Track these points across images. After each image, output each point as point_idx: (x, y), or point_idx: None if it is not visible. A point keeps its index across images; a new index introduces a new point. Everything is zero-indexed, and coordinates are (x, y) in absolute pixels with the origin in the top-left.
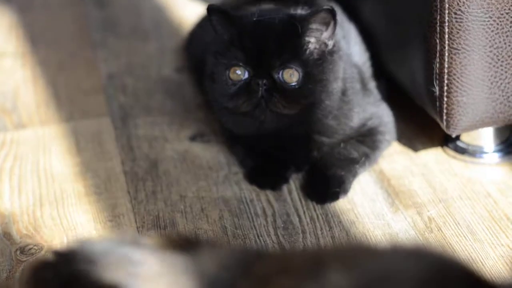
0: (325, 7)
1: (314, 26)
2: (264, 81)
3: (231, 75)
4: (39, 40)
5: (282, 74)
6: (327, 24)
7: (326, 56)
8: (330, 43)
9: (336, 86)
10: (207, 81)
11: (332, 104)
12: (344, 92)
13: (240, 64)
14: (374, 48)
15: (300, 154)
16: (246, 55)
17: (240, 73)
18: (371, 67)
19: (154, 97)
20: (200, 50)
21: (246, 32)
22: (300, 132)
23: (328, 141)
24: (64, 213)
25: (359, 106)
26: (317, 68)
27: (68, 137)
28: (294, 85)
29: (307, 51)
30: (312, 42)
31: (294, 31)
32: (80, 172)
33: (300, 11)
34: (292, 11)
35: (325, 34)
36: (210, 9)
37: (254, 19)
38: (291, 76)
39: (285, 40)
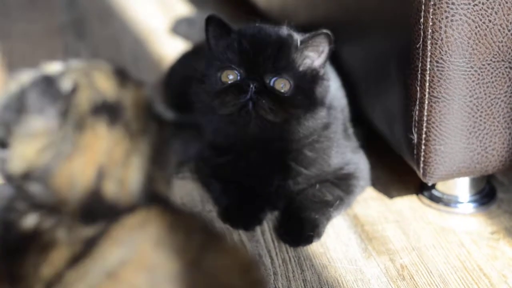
0: (324, 30)
1: (311, 47)
2: (255, 84)
3: (223, 78)
4: (17, 68)
5: (274, 82)
6: (321, 49)
7: (317, 79)
8: (322, 70)
9: (321, 112)
10: (196, 84)
11: (314, 128)
12: (327, 126)
13: (233, 66)
14: (353, 94)
15: (276, 184)
16: (241, 57)
17: (232, 77)
18: (350, 113)
19: None
20: (179, 85)
21: (246, 37)
22: (278, 158)
23: (305, 172)
24: None
25: (339, 147)
26: (308, 85)
27: None
28: (284, 94)
29: (300, 68)
30: (306, 62)
31: (292, 45)
32: None
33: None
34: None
35: (318, 60)
36: (210, 17)
37: (258, 25)
38: (283, 86)
39: (282, 51)
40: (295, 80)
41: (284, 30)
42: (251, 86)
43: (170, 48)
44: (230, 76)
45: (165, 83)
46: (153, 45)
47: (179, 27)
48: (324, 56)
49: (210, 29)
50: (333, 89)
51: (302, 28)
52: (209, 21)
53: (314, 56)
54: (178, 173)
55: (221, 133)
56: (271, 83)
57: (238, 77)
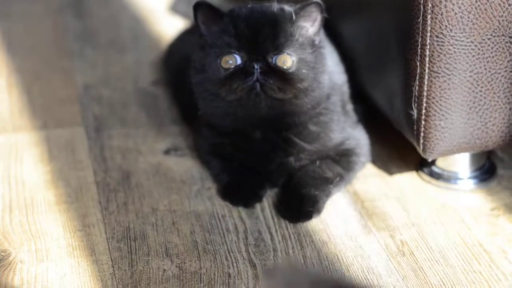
0: (313, 0)
1: (303, 17)
2: (259, 65)
3: (223, 64)
4: (16, 48)
5: (276, 59)
6: (314, 18)
7: (315, 47)
8: (317, 38)
9: (325, 79)
10: (194, 74)
11: (320, 97)
12: (329, 96)
13: (233, 51)
14: (352, 70)
15: (278, 161)
16: (240, 41)
17: (231, 62)
18: (349, 89)
19: (129, 109)
20: (178, 63)
21: (241, 20)
22: (282, 135)
23: (308, 148)
24: (33, 220)
25: (338, 121)
26: (309, 55)
27: (41, 145)
28: (289, 70)
29: (299, 40)
30: (302, 32)
31: (287, 19)
32: (51, 181)
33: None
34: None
35: (312, 29)
36: (199, 3)
37: (249, 5)
38: (285, 62)
39: (279, 27)
40: (296, 53)
41: (275, 6)
42: (256, 67)
43: (169, 27)
44: (230, 61)
45: (164, 61)
46: (152, 23)
47: (178, 6)
48: (317, 24)
49: (200, 15)
50: (332, 64)
51: (295, 2)
52: (198, 7)
53: (308, 25)
54: (177, 150)
55: (229, 117)
56: (274, 61)
57: (239, 61)
